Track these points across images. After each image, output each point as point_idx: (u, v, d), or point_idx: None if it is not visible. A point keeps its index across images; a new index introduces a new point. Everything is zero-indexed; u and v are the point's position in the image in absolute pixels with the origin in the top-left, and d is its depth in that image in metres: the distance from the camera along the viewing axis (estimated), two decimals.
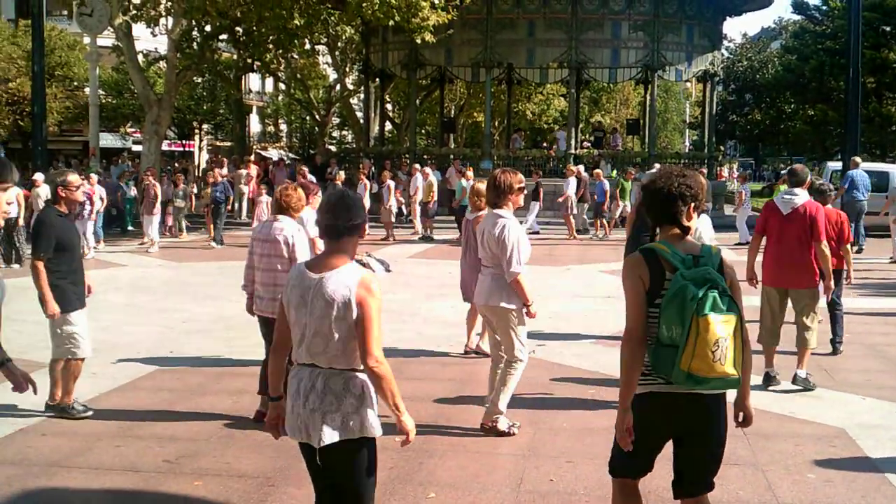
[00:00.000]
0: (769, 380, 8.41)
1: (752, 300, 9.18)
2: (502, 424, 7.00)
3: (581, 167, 25.86)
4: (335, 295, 3.93)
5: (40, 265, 7.11)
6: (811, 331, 8.43)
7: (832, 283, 8.60)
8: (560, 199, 24.09)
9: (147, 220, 21.20)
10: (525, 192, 7.15)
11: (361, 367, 3.99)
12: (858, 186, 20.20)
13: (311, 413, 3.99)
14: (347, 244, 4.06)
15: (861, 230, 20.23)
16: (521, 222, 7.71)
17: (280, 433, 4.28)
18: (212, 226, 22.74)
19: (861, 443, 6.84)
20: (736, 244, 20.92)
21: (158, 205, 21.23)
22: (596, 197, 24.32)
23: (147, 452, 6.61)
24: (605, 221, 24.24)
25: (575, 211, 24.30)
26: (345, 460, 4.05)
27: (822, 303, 9.06)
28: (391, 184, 23.57)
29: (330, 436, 3.96)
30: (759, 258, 8.69)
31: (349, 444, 4.00)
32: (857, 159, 21.26)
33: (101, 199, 20.90)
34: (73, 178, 7.40)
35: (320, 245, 4.88)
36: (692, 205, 4.10)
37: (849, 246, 9.66)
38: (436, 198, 24.06)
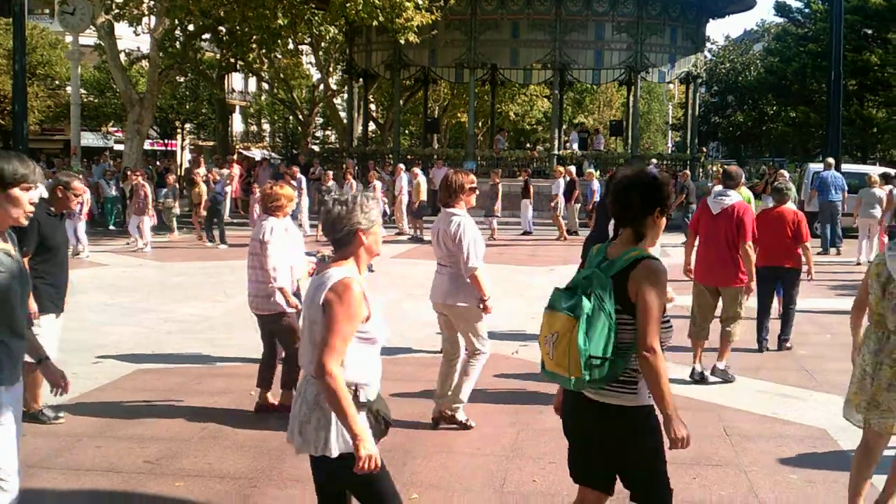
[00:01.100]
0: (696, 376, 8.63)
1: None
2: (461, 415, 7.13)
3: (573, 168, 25.90)
4: (315, 297, 3.82)
5: (24, 262, 6.98)
6: (735, 324, 8.69)
7: (753, 284, 8.78)
8: (553, 203, 24.09)
9: (135, 220, 20.86)
10: (477, 192, 7.28)
11: None
12: (831, 188, 20.29)
13: (294, 419, 3.92)
14: (346, 252, 3.94)
15: (838, 231, 20.33)
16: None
17: None
18: (199, 225, 22.70)
19: (843, 444, 6.86)
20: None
21: (151, 205, 21.03)
22: (587, 197, 24.34)
23: (128, 453, 6.57)
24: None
25: (564, 212, 24.32)
26: (325, 472, 3.93)
27: (753, 302, 9.33)
28: (377, 184, 23.55)
29: (304, 447, 3.88)
30: None
31: (323, 458, 3.86)
32: (831, 160, 21.37)
33: (89, 199, 20.86)
34: (79, 185, 7.30)
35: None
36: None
37: (808, 244, 9.90)
38: (424, 198, 24.08)
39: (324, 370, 3.64)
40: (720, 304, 8.82)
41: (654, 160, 31.36)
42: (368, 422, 3.80)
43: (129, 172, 24.18)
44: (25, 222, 4.05)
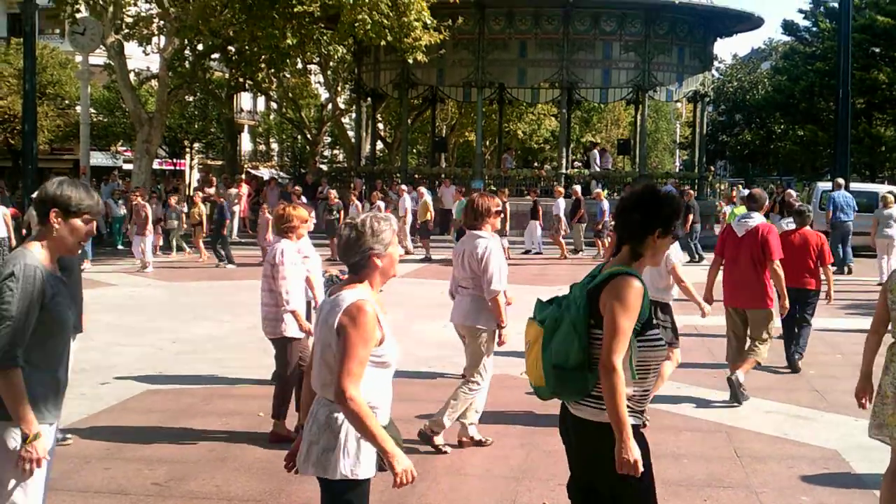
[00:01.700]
0: (735, 383, 8.56)
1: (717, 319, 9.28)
2: (439, 440, 7.09)
3: (578, 187, 25.90)
4: (328, 319, 3.79)
5: None
6: (763, 345, 8.71)
7: (787, 302, 8.83)
8: (559, 224, 24.08)
9: (138, 240, 20.94)
10: (502, 215, 7.37)
11: None
12: (843, 208, 20.27)
13: (304, 440, 3.87)
14: (366, 275, 3.91)
15: (849, 252, 20.26)
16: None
17: None
18: (201, 245, 22.74)
19: (854, 465, 6.82)
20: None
21: (150, 225, 21.10)
22: (596, 216, 24.31)
23: (136, 475, 6.55)
24: (604, 241, 24.24)
25: (568, 231, 24.31)
26: (329, 496, 3.88)
27: (777, 322, 9.31)
28: (381, 204, 23.55)
29: (312, 469, 3.82)
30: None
31: (327, 481, 3.82)
32: (840, 181, 21.37)
33: None
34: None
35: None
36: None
37: (830, 266, 9.85)
38: (433, 216, 24.10)
39: (344, 395, 3.61)
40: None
41: (672, 180, 31.33)
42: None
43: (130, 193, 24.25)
44: (77, 253, 4.06)
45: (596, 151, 33.57)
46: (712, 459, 6.99)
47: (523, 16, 29.71)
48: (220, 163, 50.94)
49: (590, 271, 4.04)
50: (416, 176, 31.59)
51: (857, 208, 20.50)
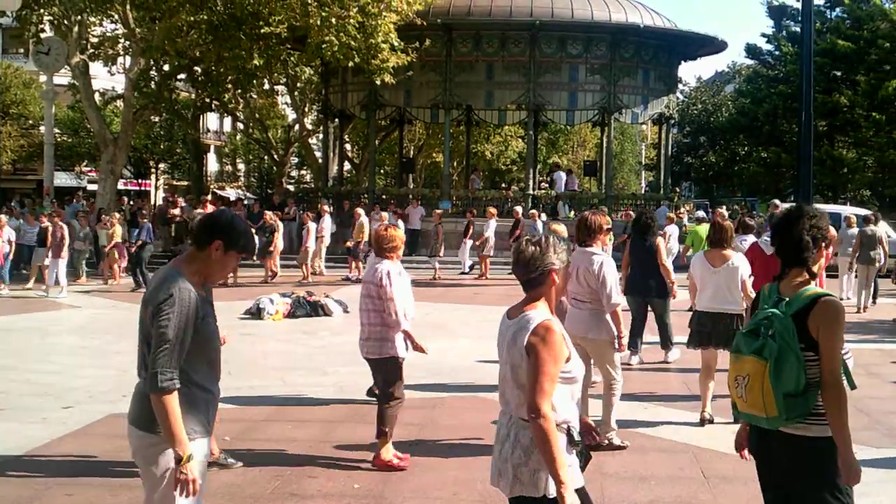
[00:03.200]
0: None
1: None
2: (616, 440, 7.71)
3: (519, 209, 25.98)
4: (518, 340, 3.84)
5: None
6: None
7: None
8: (478, 242, 24.27)
9: (53, 262, 19.89)
10: (611, 232, 7.79)
11: None
12: None
13: (505, 462, 3.90)
14: (538, 292, 3.97)
15: None
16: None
17: None
18: (115, 268, 22.53)
19: None
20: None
21: (66, 248, 20.20)
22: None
23: (99, 500, 6.46)
24: (486, 260, 24.49)
25: (493, 251, 24.53)
26: None
27: None
28: (311, 225, 23.43)
29: (518, 489, 3.84)
30: None
31: (540, 500, 3.82)
32: (777, 202, 21.67)
33: (10, 241, 20.38)
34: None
35: None
36: (822, 245, 4.18)
37: None
38: (365, 238, 24.07)
39: (539, 412, 3.68)
40: None
41: (666, 201, 31.52)
42: (578, 459, 3.91)
43: (44, 214, 23.22)
44: (216, 285, 4.23)
45: (561, 173, 33.75)
46: (679, 480, 7.01)
47: (490, 38, 29.89)
48: (185, 183, 50.67)
49: (762, 295, 4.23)
50: (384, 196, 31.58)
51: None
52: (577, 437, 3.90)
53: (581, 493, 3.84)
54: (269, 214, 24.53)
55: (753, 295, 8.51)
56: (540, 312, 3.90)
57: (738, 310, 8.48)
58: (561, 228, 8.91)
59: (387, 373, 7.37)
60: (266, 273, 22.83)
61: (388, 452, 7.21)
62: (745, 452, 4.37)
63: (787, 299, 4.03)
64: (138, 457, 3.99)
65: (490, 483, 4.09)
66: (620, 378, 7.86)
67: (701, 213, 18.96)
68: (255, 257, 23.15)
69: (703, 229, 16.88)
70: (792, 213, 4.21)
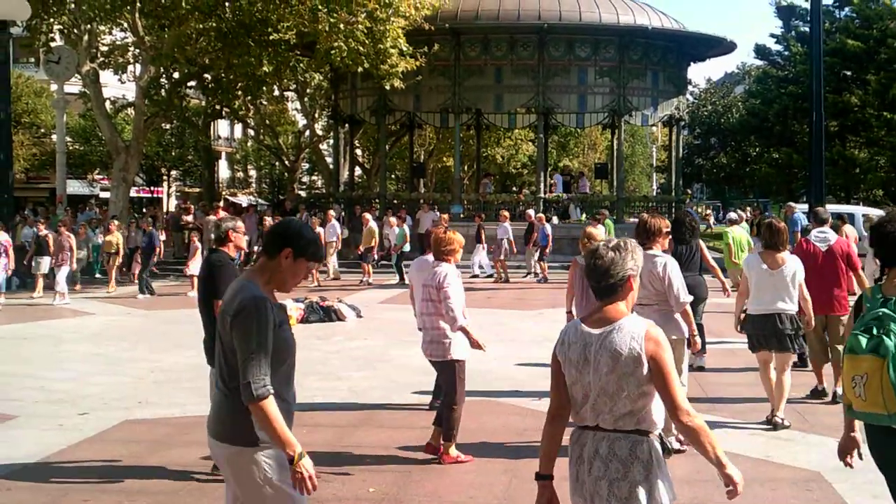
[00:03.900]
0: (819, 394, 9.66)
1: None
2: (675, 444, 7.49)
3: (531, 212, 25.98)
4: (622, 349, 3.71)
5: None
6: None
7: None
8: (505, 246, 24.27)
9: (58, 270, 20.05)
10: (670, 236, 7.93)
11: (648, 430, 3.77)
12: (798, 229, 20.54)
13: (597, 481, 3.75)
14: (620, 297, 3.87)
15: None
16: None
17: None
18: (113, 274, 22.60)
19: (837, 486, 6.83)
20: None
21: (69, 256, 20.27)
22: (540, 241, 24.49)
23: None
24: (545, 265, 24.45)
25: (511, 256, 24.58)
26: None
27: None
28: (319, 230, 23.47)
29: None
30: None
31: None
32: (792, 205, 21.75)
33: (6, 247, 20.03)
34: (241, 224, 7.60)
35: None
36: None
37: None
38: (377, 243, 24.17)
39: (688, 413, 3.69)
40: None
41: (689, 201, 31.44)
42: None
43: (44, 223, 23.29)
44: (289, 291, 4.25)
45: (559, 176, 33.75)
46: (696, 483, 6.99)
47: (498, 42, 29.90)
48: (197, 190, 50.83)
49: (864, 296, 4.44)
50: (395, 201, 31.62)
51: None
52: (670, 447, 3.93)
53: None
54: (366, 216, 24.66)
55: (808, 295, 8.65)
56: (634, 319, 3.82)
57: (793, 310, 8.56)
58: (598, 233, 8.85)
59: (450, 374, 7.59)
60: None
61: (454, 451, 7.51)
62: (852, 458, 4.46)
63: (894, 298, 4.17)
64: (226, 467, 3.98)
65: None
66: (686, 381, 7.82)
67: (733, 215, 18.79)
68: None
69: (737, 231, 16.48)
70: (892, 217, 4.43)
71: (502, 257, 24.29)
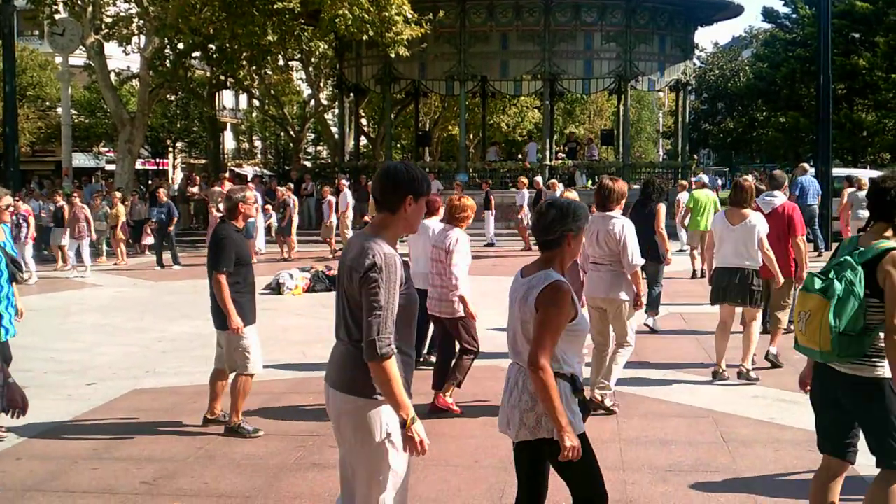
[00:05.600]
0: (771, 358, 9.43)
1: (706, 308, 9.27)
2: (608, 401, 7.79)
3: (539, 179, 25.89)
4: (528, 298, 4.13)
5: (223, 279, 7.15)
6: (783, 312, 9.64)
7: (805, 273, 8.96)
8: (520, 215, 24.21)
9: (72, 243, 20.31)
10: (626, 198, 8.13)
11: (558, 370, 4.10)
12: (809, 192, 20.44)
13: (512, 409, 4.24)
14: (550, 254, 4.26)
15: (818, 233, 20.67)
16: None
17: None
18: (122, 247, 22.63)
19: None
20: (678, 250, 20.15)
21: (86, 227, 20.35)
22: None
23: (124, 474, 6.54)
24: (525, 232, 24.46)
25: (527, 223, 24.48)
26: (538, 459, 4.28)
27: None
28: (331, 199, 23.45)
29: (524, 434, 4.18)
30: None
31: (543, 443, 4.15)
32: (805, 165, 21.63)
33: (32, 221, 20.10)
34: (251, 194, 7.75)
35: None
36: None
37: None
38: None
39: (538, 365, 3.99)
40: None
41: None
42: (580, 408, 4.23)
43: (56, 194, 23.37)
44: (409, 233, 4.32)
45: (533, 144, 33.60)
46: (699, 444, 7.03)
47: (504, 8, 29.70)
48: (203, 161, 50.83)
49: (842, 245, 4.63)
50: None
51: (820, 192, 20.79)
52: (580, 388, 4.21)
53: (582, 437, 4.13)
54: (281, 190, 24.58)
55: (771, 252, 8.81)
56: (552, 273, 4.17)
57: (755, 266, 8.82)
58: (573, 195, 9.17)
59: (462, 329, 7.94)
60: (282, 250, 22.75)
61: (450, 398, 7.88)
62: (808, 387, 4.87)
63: (862, 249, 4.41)
64: (343, 419, 3.94)
65: (498, 430, 4.39)
66: (633, 341, 8.00)
67: (704, 178, 19.23)
68: (273, 234, 23.28)
69: (701, 194, 17.55)
70: (889, 177, 4.58)
71: (525, 223, 24.19)
